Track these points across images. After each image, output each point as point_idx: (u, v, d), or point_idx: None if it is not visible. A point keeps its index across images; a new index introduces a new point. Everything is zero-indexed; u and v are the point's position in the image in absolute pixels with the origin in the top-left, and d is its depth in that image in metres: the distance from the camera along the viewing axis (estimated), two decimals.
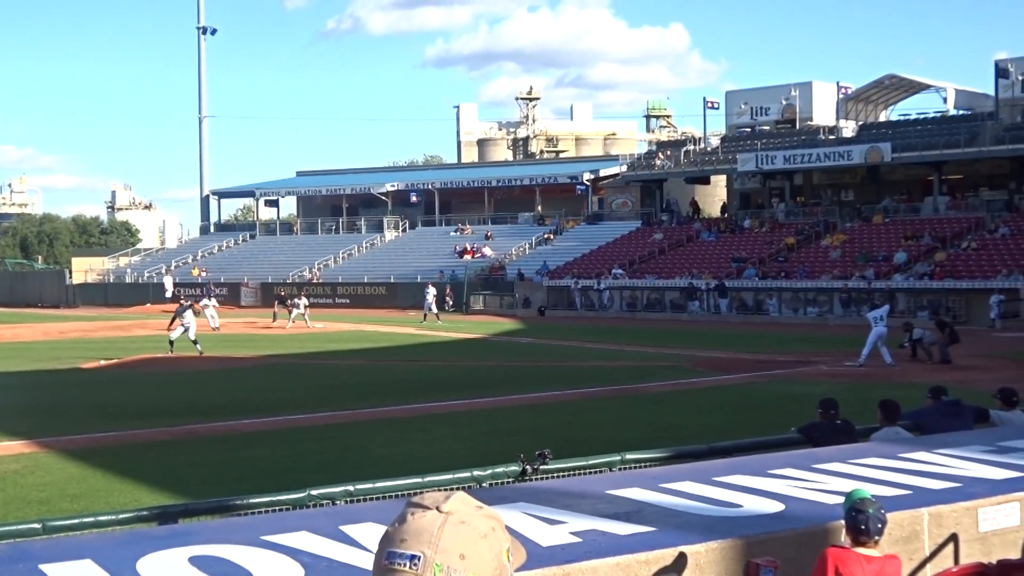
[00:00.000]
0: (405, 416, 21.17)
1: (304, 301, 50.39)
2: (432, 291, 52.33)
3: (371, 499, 7.80)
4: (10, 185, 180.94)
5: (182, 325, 34.55)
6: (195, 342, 34.36)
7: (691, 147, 71.01)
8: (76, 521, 7.10)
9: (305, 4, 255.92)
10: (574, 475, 8.41)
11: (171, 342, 34.24)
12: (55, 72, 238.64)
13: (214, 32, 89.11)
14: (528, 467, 8.29)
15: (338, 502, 7.75)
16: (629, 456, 8.95)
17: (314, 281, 70.00)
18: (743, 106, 70.13)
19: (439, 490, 2.45)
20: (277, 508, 7.45)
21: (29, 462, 16.58)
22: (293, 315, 47.98)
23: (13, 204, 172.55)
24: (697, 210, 68.61)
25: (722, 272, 54.62)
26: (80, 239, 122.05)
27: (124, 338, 43.21)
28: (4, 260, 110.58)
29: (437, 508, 2.30)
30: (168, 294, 71.14)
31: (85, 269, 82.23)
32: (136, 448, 17.86)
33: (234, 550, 5.30)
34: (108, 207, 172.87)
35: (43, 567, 4.70)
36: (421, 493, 2.41)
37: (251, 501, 7.62)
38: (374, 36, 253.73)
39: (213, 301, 49.36)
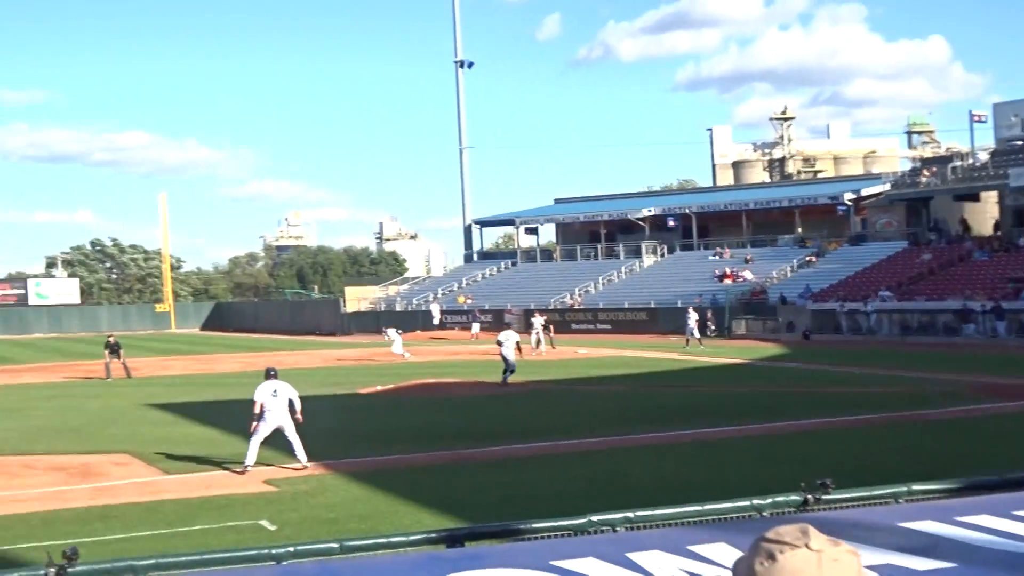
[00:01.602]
0: (671, 442, 21.15)
1: (540, 320, 51.20)
2: (694, 316, 51.99)
3: (650, 526, 7.84)
4: (287, 219, 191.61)
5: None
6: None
7: (958, 163, 67.98)
8: (371, 541, 7.42)
9: (557, 34, 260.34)
10: (857, 506, 8.21)
11: None
12: (325, 111, 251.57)
13: (471, 65, 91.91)
14: (810, 496, 8.15)
15: (618, 528, 7.83)
16: (916, 487, 8.64)
17: (575, 307, 70.83)
18: (1013, 118, 66.53)
19: (785, 524, 2.36)
20: (558, 533, 7.60)
21: (318, 483, 17.52)
22: (535, 338, 48.73)
23: (290, 236, 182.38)
24: (967, 228, 65.46)
25: (998, 293, 51.88)
26: (351, 269, 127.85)
27: (397, 365, 44.96)
28: (284, 290, 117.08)
29: (807, 546, 2.26)
30: (436, 321, 73.55)
31: (358, 298, 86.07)
32: (415, 471, 18.59)
33: (526, 574, 5.46)
34: (376, 238, 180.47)
35: None
36: (775, 528, 2.37)
37: (534, 526, 7.79)
38: (625, 62, 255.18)
39: (392, 332, 51.17)
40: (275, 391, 18.84)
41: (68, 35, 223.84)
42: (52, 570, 4.82)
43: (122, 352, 41.01)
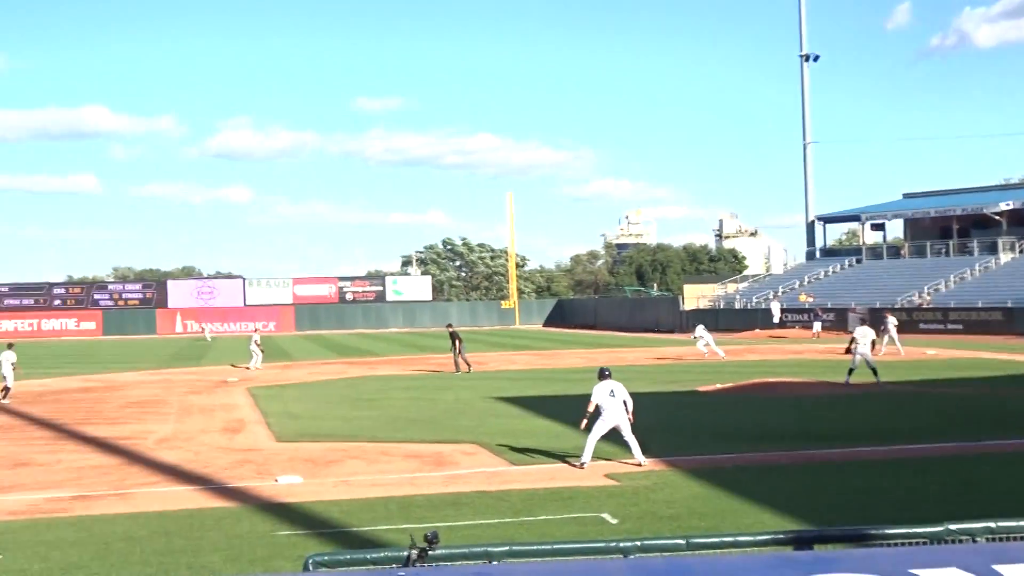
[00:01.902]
0: None
1: (893, 320, 48.92)
2: None
3: (1015, 538, 7.33)
4: (627, 217, 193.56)
5: None
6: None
7: None
8: (717, 540, 7.33)
9: (907, 23, 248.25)
10: None
11: None
12: (665, 110, 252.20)
13: (816, 59, 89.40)
14: None
15: (978, 539, 7.37)
16: None
17: (923, 307, 67.52)
18: None
19: None
20: (914, 541, 7.25)
21: (658, 479, 17.59)
22: (887, 339, 46.55)
23: (630, 235, 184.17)
24: None
25: None
26: (690, 267, 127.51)
27: (736, 362, 44.45)
28: (623, 287, 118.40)
29: None
30: (775, 319, 72.12)
31: (697, 295, 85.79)
32: (756, 470, 18.31)
33: None
34: (716, 235, 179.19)
35: None
36: None
37: (887, 531, 7.46)
38: (981, 49, 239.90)
39: (700, 329, 49.30)
40: (612, 391, 19.05)
41: (422, 44, 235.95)
42: (415, 552, 5.08)
43: (459, 344, 42.75)
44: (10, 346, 35.51)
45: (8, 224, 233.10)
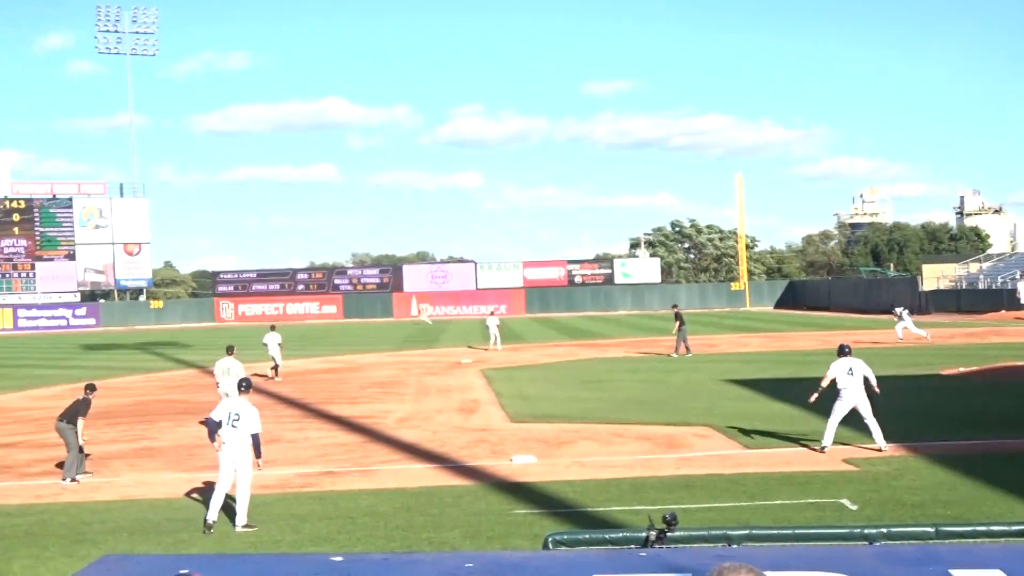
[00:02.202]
0: None
1: None
2: None
3: None
4: (861, 196, 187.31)
5: None
6: None
7: None
8: (968, 528, 7.05)
9: None
10: None
11: None
12: (900, 85, 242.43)
13: None
14: None
15: None
16: None
17: None
18: None
19: None
20: None
21: (900, 465, 17.02)
22: None
23: (864, 214, 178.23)
24: None
25: None
26: (929, 246, 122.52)
27: (978, 345, 42.47)
28: (859, 268, 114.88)
29: None
30: (1023, 300, 68.48)
31: (936, 276, 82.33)
32: (1003, 458, 17.46)
33: None
34: (956, 212, 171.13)
35: (952, 571, 4.76)
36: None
37: None
38: None
39: (900, 311, 46.22)
40: (850, 369, 18.53)
41: (651, 26, 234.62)
42: (654, 533, 5.09)
43: (682, 326, 42.11)
44: (272, 328, 37.83)
45: (255, 213, 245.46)
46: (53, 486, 17.82)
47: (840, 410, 18.47)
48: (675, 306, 47.21)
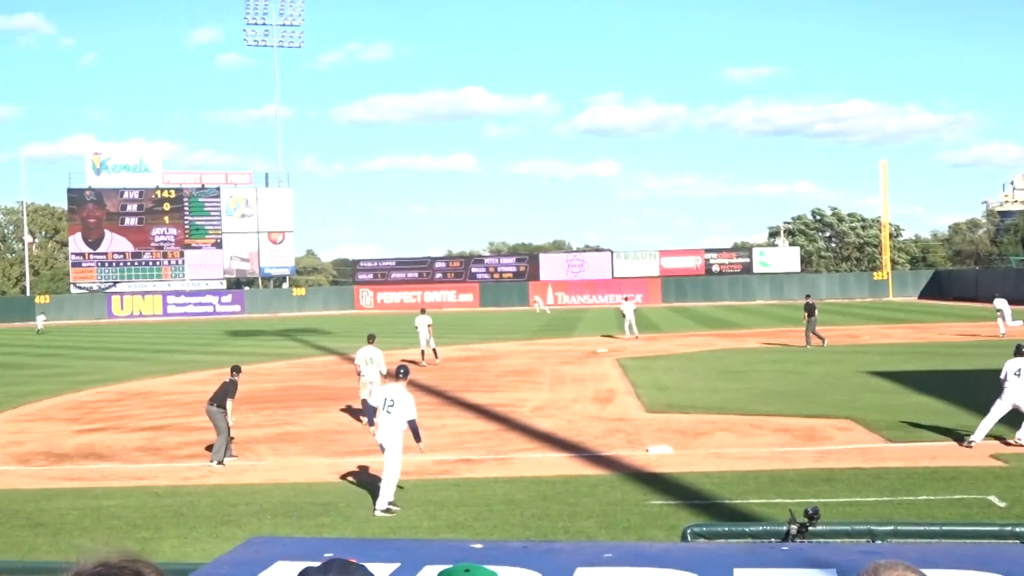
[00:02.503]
0: None
1: None
2: None
3: None
4: (1012, 182, 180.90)
5: None
6: None
7: None
8: None
9: None
10: None
11: None
12: None
13: None
14: None
15: None
16: None
17: None
18: None
19: None
20: None
21: None
22: None
23: (1015, 201, 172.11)
24: None
25: None
26: None
27: None
28: (1009, 257, 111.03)
29: None
30: None
31: None
32: None
33: None
34: None
35: None
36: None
37: None
38: None
39: (1000, 302, 43.24)
40: (1019, 370, 17.93)
41: (793, 11, 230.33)
42: (795, 527, 5.02)
43: (811, 317, 41.19)
44: (423, 311, 39.47)
45: (395, 202, 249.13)
46: (201, 468, 18.42)
47: (999, 409, 17.92)
48: (808, 296, 46.20)
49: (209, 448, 19.22)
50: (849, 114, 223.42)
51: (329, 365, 38.95)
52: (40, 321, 75.52)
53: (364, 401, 22.44)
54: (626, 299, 53.18)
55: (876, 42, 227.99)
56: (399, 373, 15.67)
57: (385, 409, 14.91)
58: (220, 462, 18.49)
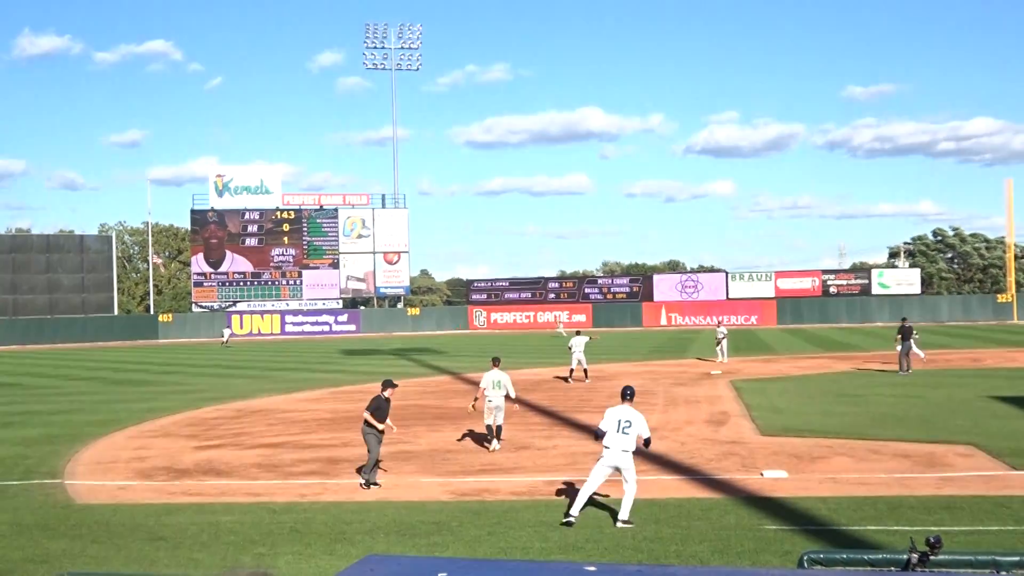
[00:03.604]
0: None
1: None
2: None
3: None
4: None
5: None
6: None
7: None
8: None
9: None
10: None
11: None
12: None
13: None
14: None
15: None
16: None
17: None
18: None
19: None
20: None
21: None
22: None
23: None
24: None
25: None
26: None
27: None
28: None
29: None
30: None
31: None
32: None
33: None
34: None
35: None
36: None
37: None
38: None
39: None
40: None
41: (914, 28, 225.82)
42: (915, 555, 4.91)
43: (903, 339, 39.21)
44: (578, 332, 41.52)
45: (509, 222, 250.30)
46: (316, 485, 18.71)
47: None
48: (904, 319, 43.09)
49: (360, 470, 19.18)
50: (973, 132, 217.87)
51: (442, 384, 39.27)
52: (227, 335, 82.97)
53: (489, 427, 22.63)
54: (719, 324, 52.37)
55: (1000, 57, 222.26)
56: (626, 394, 15.91)
57: (621, 430, 15.18)
58: (370, 483, 18.40)
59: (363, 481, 18.52)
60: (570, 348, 39.79)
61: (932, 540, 4.90)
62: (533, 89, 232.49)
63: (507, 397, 22.71)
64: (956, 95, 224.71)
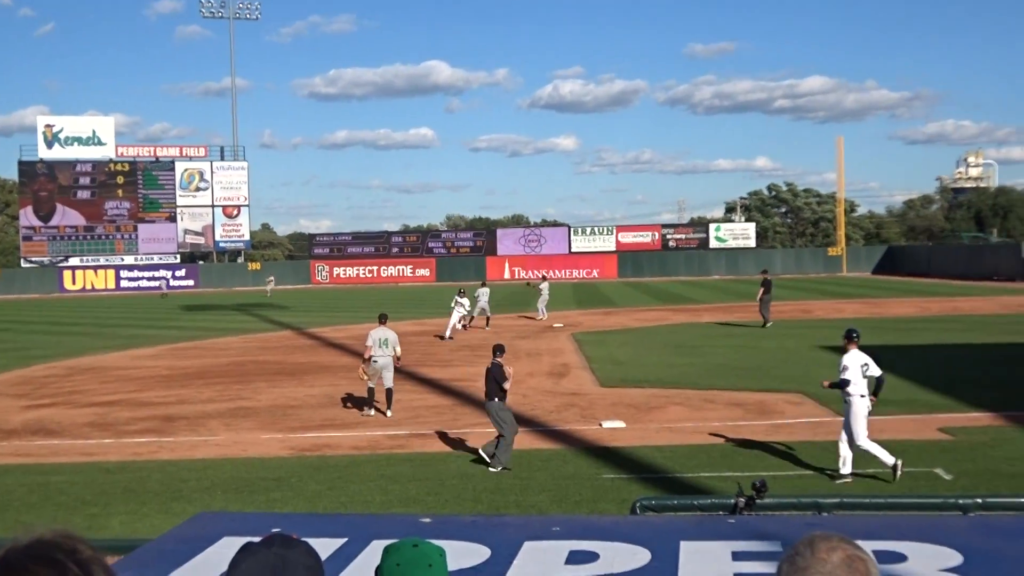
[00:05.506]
0: None
1: None
2: None
3: None
4: (965, 159, 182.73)
5: None
6: None
7: None
8: None
9: None
10: None
11: None
12: (1011, 41, 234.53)
13: None
14: None
15: None
16: None
17: None
18: None
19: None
20: None
21: (996, 435, 16.65)
22: None
23: (968, 178, 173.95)
24: None
25: None
26: None
27: None
28: (960, 234, 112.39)
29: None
30: None
31: None
32: None
33: None
34: None
35: None
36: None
37: None
38: None
39: None
40: None
41: None
42: (742, 500, 5.05)
43: (764, 292, 39.57)
44: (483, 283, 42.88)
45: (353, 176, 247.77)
46: (151, 444, 18.26)
47: None
48: (764, 271, 44.31)
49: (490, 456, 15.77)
50: (808, 90, 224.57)
51: (284, 339, 38.75)
52: (269, 286, 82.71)
53: (371, 389, 21.13)
54: (543, 278, 52.17)
55: (833, 18, 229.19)
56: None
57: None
58: (504, 467, 15.42)
59: (502, 466, 15.44)
60: (476, 297, 41.00)
61: (758, 484, 5.03)
62: (378, 41, 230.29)
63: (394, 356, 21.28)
64: (793, 54, 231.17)
